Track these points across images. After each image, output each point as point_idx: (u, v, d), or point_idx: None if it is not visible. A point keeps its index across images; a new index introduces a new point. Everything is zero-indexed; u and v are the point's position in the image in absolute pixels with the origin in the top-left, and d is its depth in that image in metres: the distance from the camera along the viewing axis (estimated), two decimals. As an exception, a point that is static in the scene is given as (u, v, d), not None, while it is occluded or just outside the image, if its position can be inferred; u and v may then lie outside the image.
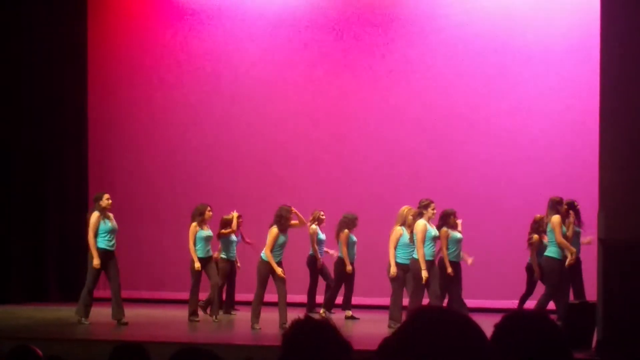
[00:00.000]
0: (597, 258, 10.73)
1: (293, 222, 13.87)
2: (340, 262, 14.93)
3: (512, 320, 2.82)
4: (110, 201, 13.81)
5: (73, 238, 16.87)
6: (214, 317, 14.35)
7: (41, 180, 17.20)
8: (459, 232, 13.69)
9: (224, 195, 16.71)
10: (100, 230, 13.66)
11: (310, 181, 16.91)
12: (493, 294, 15.33)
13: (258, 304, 13.53)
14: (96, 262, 13.56)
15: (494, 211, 16.09)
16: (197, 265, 14.31)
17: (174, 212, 16.76)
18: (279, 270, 13.40)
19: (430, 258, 13.05)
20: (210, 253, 14.55)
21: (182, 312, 14.47)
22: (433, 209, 13.17)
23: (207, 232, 14.50)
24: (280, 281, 13.45)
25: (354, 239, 14.94)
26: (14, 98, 16.97)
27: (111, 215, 13.85)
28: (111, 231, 13.74)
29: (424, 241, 12.98)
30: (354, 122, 16.94)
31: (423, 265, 12.92)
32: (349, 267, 14.79)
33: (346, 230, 14.81)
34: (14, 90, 16.97)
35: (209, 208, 14.57)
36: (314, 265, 15.18)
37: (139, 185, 17.58)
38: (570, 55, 16.09)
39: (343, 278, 14.89)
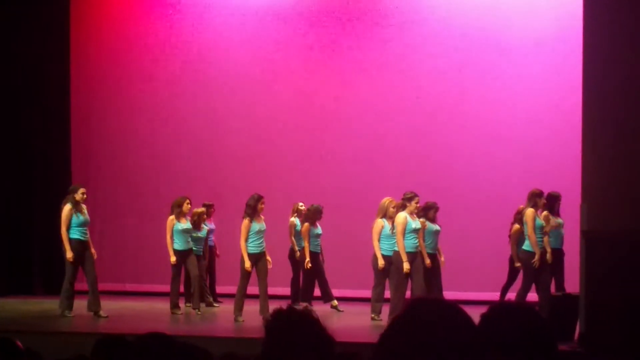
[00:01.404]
0: (580, 250, 10.77)
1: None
2: (303, 255, 14.91)
3: (498, 311, 2.83)
4: (85, 196, 13.85)
5: (57, 231, 16.83)
6: (197, 309, 14.34)
7: (25, 173, 17.13)
8: (438, 225, 13.81)
9: (207, 187, 16.70)
10: (74, 223, 13.66)
11: (294, 174, 16.89)
12: (476, 286, 15.36)
13: (241, 297, 13.54)
14: (69, 254, 13.62)
15: (477, 203, 16.11)
16: (173, 259, 14.33)
17: (157, 204, 16.70)
18: (247, 263, 13.43)
19: (412, 250, 13.05)
20: (190, 245, 14.53)
21: (165, 305, 14.45)
22: (417, 203, 13.17)
23: (185, 225, 14.46)
24: (261, 273, 13.47)
25: (318, 231, 14.88)
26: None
27: (84, 207, 13.85)
28: (84, 223, 13.76)
29: (403, 233, 12.97)
30: (337, 114, 16.91)
31: (404, 257, 12.92)
32: (307, 262, 14.66)
33: (306, 224, 14.80)
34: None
35: (187, 201, 14.53)
36: (295, 257, 15.14)
37: (122, 177, 17.53)
38: (555, 48, 16.11)
39: (310, 270, 14.87)
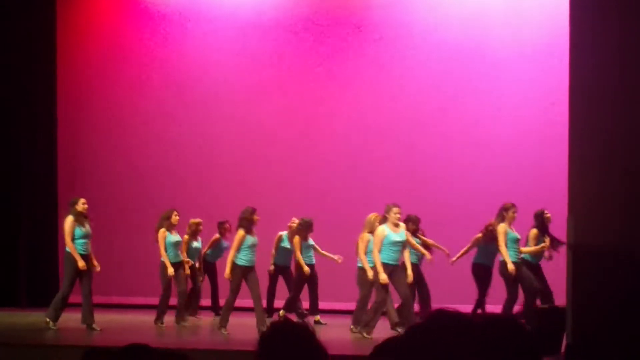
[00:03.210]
0: (567, 263, 10.78)
1: None
2: (297, 267, 14.95)
3: (482, 324, 2.83)
4: (86, 206, 13.66)
5: (44, 244, 16.82)
6: (181, 322, 14.29)
7: (11, 186, 17.08)
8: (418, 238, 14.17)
9: (195, 200, 16.66)
10: (76, 234, 13.51)
11: (282, 187, 16.87)
12: (460, 299, 15.31)
13: (227, 309, 13.50)
14: (81, 263, 13.38)
15: (464, 216, 16.09)
16: (170, 270, 14.22)
17: (143, 217, 16.68)
18: (226, 271, 13.45)
19: (391, 262, 12.84)
20: (180, 258, 14.47)
21: (152, 318, 14.41)
22: (395, 213, 12.93)
23: (176, 237, 14.41)
24: (253, 285, 13.40)
25: (310, 242, 14.94)
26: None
27: (87, 220, 13.70)
28: (85, 236, 13.58)
29: (379, 246, 12.81)
30: (326, 128, 16.92)
31: (379, 269, 12.73)
32: (306, 269, 14.75)
33: (297, 237, 14.83)
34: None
35: (175, 212, 14.44)
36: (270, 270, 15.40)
37: (108, 190, 17.48)
38: (541, 61, 16.15)
39: (302, 282, 14.93)
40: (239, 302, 13.58)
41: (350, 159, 16.73)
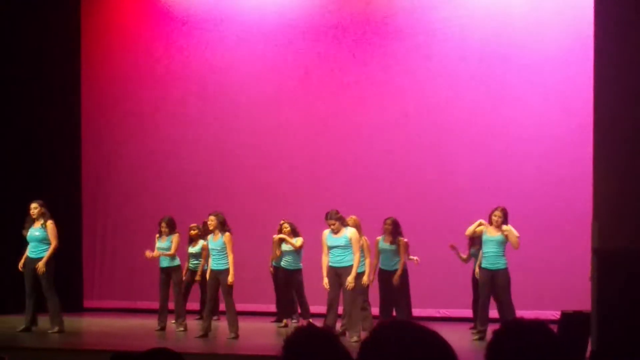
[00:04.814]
0: (591, 268, 10.74)
1: None
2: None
3: (511, 328, 2.83)
4: (36, 210, 13.73)
5: (67, 246, 16.86)
6: (182, 327, 14.38)
7: (35, 190, 17.12)
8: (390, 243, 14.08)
9: (215, 204, 16.58)
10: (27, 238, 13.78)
11: (299, 188, 16.87)
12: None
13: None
14: (20, 264, 13.77)
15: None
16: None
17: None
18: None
19: (331, 265, 13.01)
20: (164, 264, 14.48)
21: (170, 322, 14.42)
22: (328, 222, 13.08)
23: (158, 243, 14.55)
24: (222, 289, 13.55)
25: (286, 248, 15.00)
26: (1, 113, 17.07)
27: (39, 222, 13.72)
28: (30, 239, 13.74)
29: (323, 250, 13.07)
30: (343, 130, 16.86)
31: (323, 273, 13.01)
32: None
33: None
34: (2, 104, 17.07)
35: (163, 222, 14.53)
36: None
37: (134, 195, 17.57)
38: (564, 62, 16.02)
39: (283, 285, 15.10)
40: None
41: (370, 162, 16.66)
